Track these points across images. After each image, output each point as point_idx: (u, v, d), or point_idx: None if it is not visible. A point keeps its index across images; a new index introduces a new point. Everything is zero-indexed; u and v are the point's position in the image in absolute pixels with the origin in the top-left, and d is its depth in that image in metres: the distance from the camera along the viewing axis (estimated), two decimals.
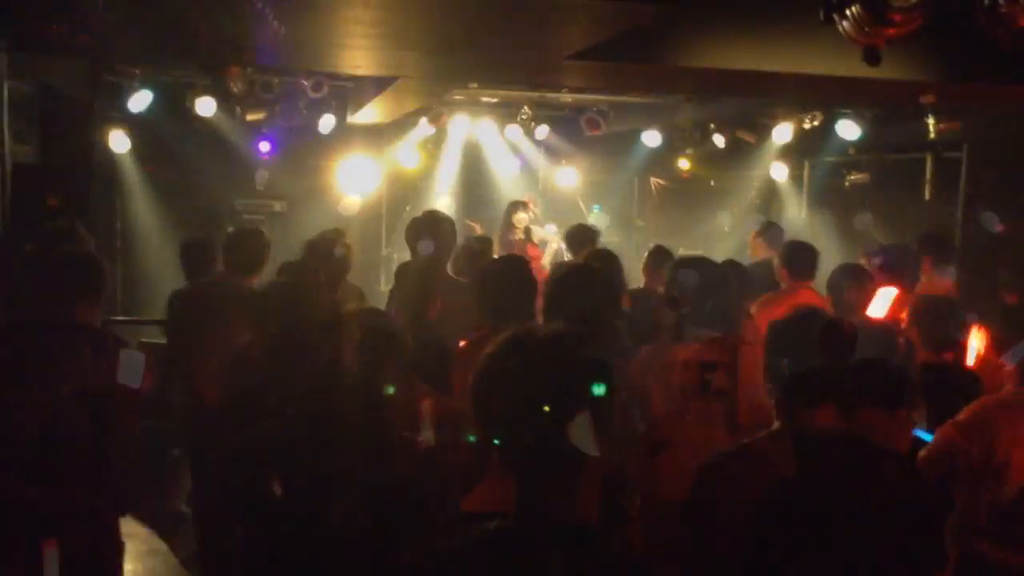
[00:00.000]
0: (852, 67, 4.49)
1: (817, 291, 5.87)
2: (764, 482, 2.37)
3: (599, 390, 1.66)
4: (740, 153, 11.50)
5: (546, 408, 1.63)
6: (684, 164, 11.74)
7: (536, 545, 1.64)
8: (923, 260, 6.18)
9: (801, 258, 5.99)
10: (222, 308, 5.01)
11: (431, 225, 5.33)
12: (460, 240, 5.86)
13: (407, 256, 5.48)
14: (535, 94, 9.67)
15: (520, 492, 1.69)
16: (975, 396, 3.87)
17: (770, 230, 7.53)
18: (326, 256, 5.12)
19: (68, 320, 3.56)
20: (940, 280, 6.15)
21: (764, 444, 2.50)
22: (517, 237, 9.05)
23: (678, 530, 2.56)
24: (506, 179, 11.63)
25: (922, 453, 3.48)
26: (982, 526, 3.45)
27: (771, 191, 12.11)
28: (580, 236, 6.90)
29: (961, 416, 3.55)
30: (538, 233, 9.54)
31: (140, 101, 8.73)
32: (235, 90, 7.78)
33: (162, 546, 5.23)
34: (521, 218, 9.17)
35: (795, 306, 5.56)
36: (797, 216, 11.74)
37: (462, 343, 3.99)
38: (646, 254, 6.65)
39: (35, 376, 3.42)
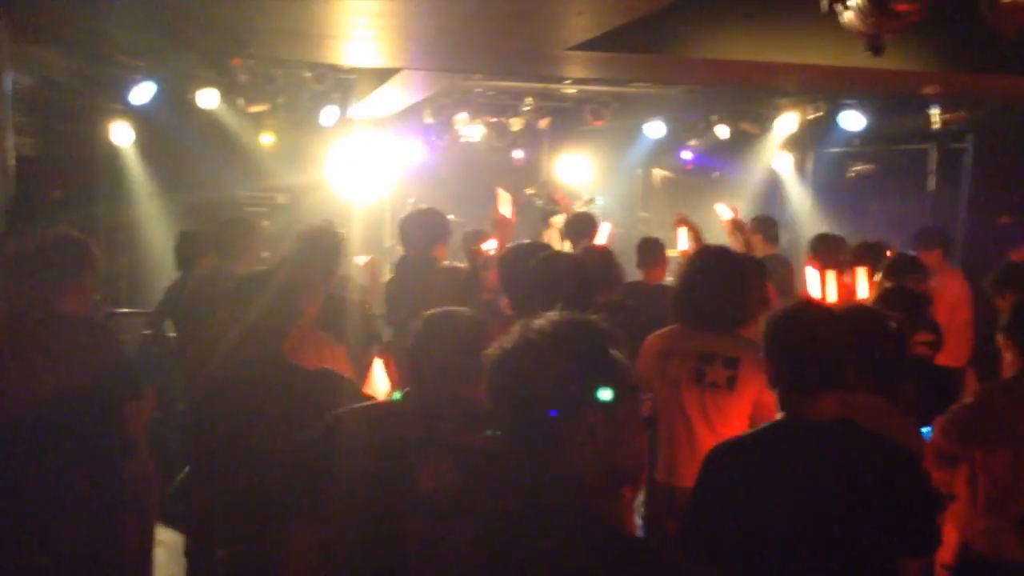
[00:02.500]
0: (856, 58, 4.48)
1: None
2: (763, 471, 2.41)
3: (605, 394, 1.67)
4: (744, 144, 11.49)
5: (554, 404, 1.64)
6: (687, 155, 11.73)
7: (547, 534, 1.64)
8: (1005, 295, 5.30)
9: (831, 249, 5.97)
10: (217, 298, 5.03)
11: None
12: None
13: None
14: (539, 85, 9.66)
15: (530, 480, 1.70)
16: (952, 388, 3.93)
17: (765, 224, 7.40)
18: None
19: (56, 310, 3.53)
20: None
21: (765, 434, 2.52)
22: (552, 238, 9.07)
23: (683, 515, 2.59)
24: (509, 171, 11.62)
25: (933, 440, 3.50)
26: (982, 510, 3.47)
27: (775, 182, 12.10)
28: (579, 227, 6.70)
29: (965, 400, 3.56)
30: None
31: (143, 93, 8.73)
32: (238, 82, 7.78)
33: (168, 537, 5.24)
34: (558, 220, 9.01)
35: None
36: (801, 207, 11.74)
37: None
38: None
39: (25, 367, 3.41)
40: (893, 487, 2.37)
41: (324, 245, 4.70)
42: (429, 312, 2.72)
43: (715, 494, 2.46)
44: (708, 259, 3.83)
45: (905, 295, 4.18)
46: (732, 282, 3.73)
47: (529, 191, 10.76)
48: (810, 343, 2.49)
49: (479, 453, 2.37)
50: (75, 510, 3.43)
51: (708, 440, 3.54)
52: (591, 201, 10.18)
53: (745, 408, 3.65)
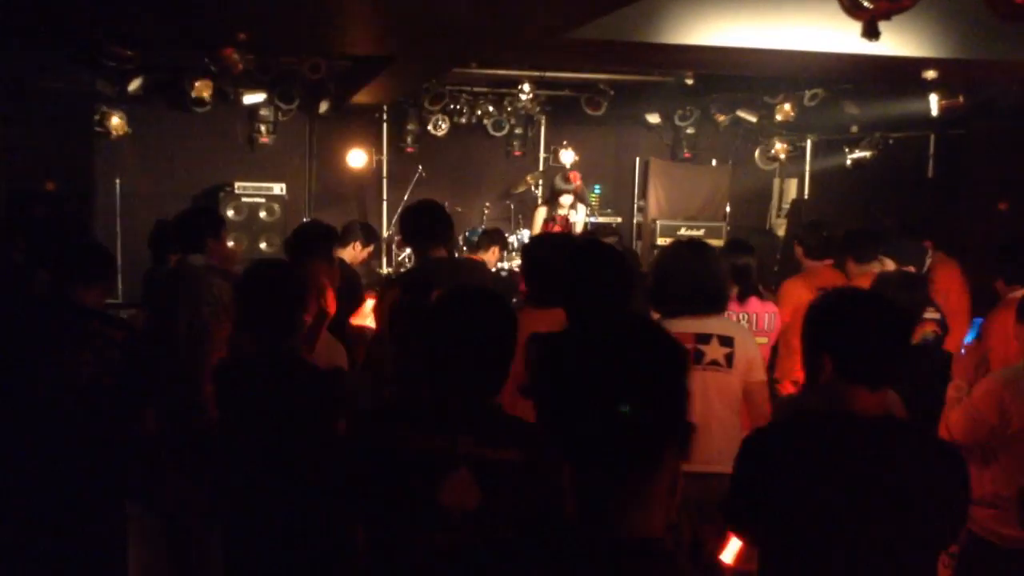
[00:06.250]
0: (852, 43, 4.45)
1: (838, 270, 5.86)
2: (812, 463, 2.33)
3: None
4: (741, 132, 11.45)
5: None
6: (685, 144, 11.70)
7: (590, 561, 1.50)
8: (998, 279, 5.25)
9: (816, 237, 5.96)
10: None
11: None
12: None
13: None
14: (535, 73, 9.61)
15: (578, 497, 1.52)
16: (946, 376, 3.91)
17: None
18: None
19: (71, 304, 3.56)
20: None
21: (814, 424, 2.43)
22: (559, 214, 8.75)
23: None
24: (506, 159, 11.58)
25: (950, 430, 3.49)
26: (989, 500, 3.46)
27: (773, 171, 12.07)
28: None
29: (976, 390, 3.55)
30: (576, 216, 8.95)
31: (137, 84, 8.70)
32: (232, 72, 7.74)
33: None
34: (567, 199, 8.77)
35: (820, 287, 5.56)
36: (799, 195, 11.72)
37: None
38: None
39: (32, 356, 3.42)
40: (942, 486, 2.32)
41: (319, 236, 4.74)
42: (446, 291, 2.52)
43: (757, 479, 2.37)
44: (683, 248, 3.92)
45: (906, 277, 4.20)
46: (710, 269, 3.79)
47: (529, 179, 10.72)
48: (883, 337, 2.37)
49: (502, 469, 2.33)
50: (74, 498, 3.45)
51: (709, 420, 3.56)
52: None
53: (739, 386, 3.70)
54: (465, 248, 8.87)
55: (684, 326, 3.66)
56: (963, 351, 4.44)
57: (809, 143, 11.70)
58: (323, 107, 10.24)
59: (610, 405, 1.42)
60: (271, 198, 10.18)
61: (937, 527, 2.34)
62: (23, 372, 3.45)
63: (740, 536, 2.43)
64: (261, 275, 3.23)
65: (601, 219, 10.76)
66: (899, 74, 7.17)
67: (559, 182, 8.89)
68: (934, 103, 8.21)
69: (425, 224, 4.69)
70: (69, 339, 3.47)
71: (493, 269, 7.56)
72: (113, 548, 3.67)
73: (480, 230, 8.96)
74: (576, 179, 8.91)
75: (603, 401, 1.43)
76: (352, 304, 5.70)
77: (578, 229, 8.88)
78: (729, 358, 3.66)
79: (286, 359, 3.12)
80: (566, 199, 8.81)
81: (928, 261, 5.92)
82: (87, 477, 3.48)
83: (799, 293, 5.64)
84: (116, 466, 3.62)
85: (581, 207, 9.07)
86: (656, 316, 3.81)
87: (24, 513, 3.43)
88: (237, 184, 10.16)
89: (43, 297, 3.72)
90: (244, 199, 10.06)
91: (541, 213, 8.88)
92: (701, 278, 3.74)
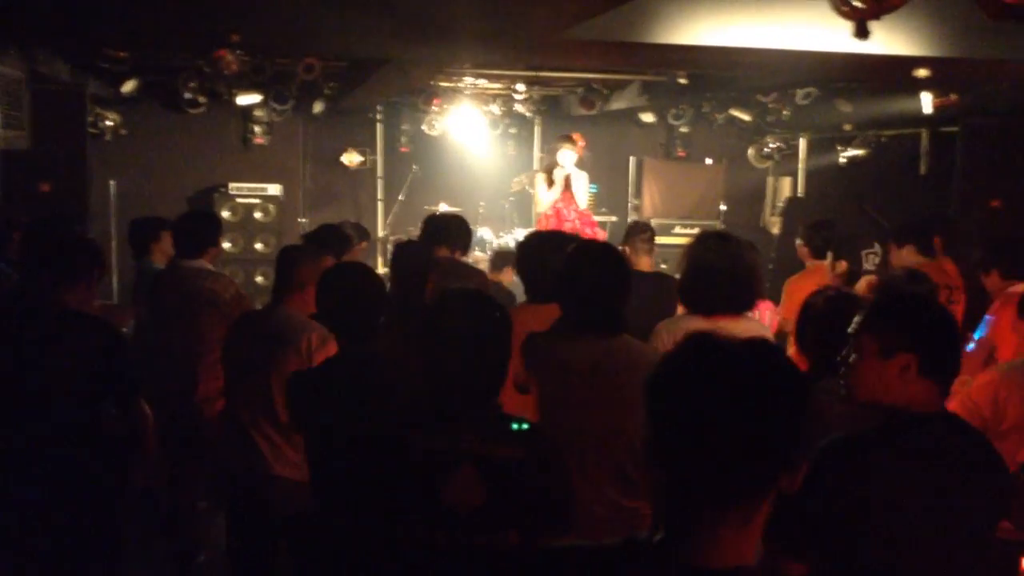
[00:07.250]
0: (844, 42, 4.46)
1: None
2: (908, 470, 2.29)
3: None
4: (735, 130, 11.48)
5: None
6: (679, 142, 11.73)
7: None
8: (991, 273, 5.27)
9: (822, 237, 5.97)
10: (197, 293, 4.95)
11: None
12: None
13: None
14: (530, 73, 9.63)
15: (671, 522, 1.43)
16: None
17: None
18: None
19: (59, 304, 3.54)
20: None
21: (908, 428, 2.37)
22: (562, 174, 8.20)
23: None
24: (500, 158, 11.60)
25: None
26: None
27: (767, 169, 12.10)
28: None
29: (975, 381, 3.58)
30: (578, 182, 8.33)
31: (132, 85, 8.70)
32: (226, 73, 7.74)
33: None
34: (566, 156, 8.22)
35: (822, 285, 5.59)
36: (793, 193, 11.75)
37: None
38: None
39: (9, 359, 3.40)
40: (994, 473, 2.38)
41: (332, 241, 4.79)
42: (445, 291, 2.63)
43: (844, 493, 2.26)
44: (712, 243, 3.80)
45: (911, 273, 4.26)
46: (745, 265, 3.71)
47: (524, 178, 10.74)
48: (956, 332, 2.43)
49: (506, 466, 2.35)
50: (59, 499, 3.44)
51: None
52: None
53: None
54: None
55: (715, 325, 3.65)
56: (971, 346, 4.46)
57: (802, 141, 11.74)
58: (317, 107, 10.25)
59: (727, 433, 1.33)
60: (266, 199, 10.20)
61: (993, 513, 2.39)
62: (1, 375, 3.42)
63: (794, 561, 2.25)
64: (344, 279, 3.29)
65: (599, 218, 10.77)
66: (891, 73, 7.18)
67: (559, 141, 8.48)
68: (927, 101, 8.23)
69: (442, 226, 5.09)
70: (48, 341, 3.44)
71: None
72: (107, 548, 3.66)
73: (477, 232, 8.93)
74: (578, 139, 8.43)
75: (719, 428, 1.34)
76: None
77: (580, 196, 8.38)
78: None
79: (367, 360, 3.16)
80: (565, 157, 8.31)
81: (874, 258, 5.92)
82: (74, 479, 3.46)
83: (805, 292, 5.66)
84: (104, 466, 3.60)
85: (584, 174, 8.54)
86: (685, 313, 3.78)
87: (14, 516, 3.42)
88: (232, 185, 10.18)
89: (26, 299, 3.67)
90: (239, 200, 10.08)
91: (541, 178, 8.50)
92: (736, 275, 3.66)
